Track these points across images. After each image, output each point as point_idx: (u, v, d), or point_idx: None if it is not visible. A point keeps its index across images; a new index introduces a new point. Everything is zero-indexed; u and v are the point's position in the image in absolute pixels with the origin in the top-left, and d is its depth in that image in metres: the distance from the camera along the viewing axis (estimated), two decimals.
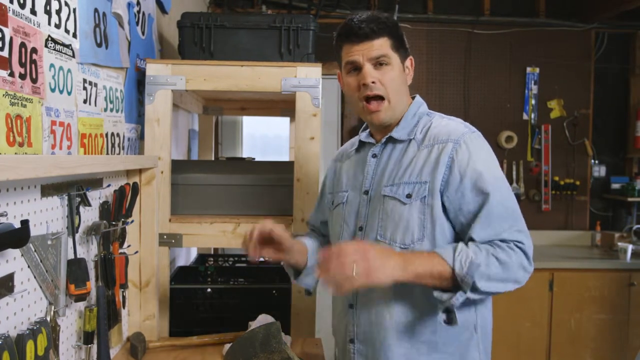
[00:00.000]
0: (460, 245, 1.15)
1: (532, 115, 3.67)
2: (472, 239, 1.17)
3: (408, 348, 1.23)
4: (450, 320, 1.17)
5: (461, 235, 1.22)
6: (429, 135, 1.27)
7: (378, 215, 1.27)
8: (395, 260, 1.12)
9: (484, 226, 1.16)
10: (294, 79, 1.76)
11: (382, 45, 1.24)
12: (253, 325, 1.62)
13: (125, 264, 1.60)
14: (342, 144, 3.62)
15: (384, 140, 1.33)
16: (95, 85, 1.49)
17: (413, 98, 1.37)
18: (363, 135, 1.39)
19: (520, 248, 1.16)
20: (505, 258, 1.14)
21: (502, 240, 1.16)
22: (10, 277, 1.03)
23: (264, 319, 1.66)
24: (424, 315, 1.23)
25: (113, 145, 1.64)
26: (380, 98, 1.26)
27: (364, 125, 1.44)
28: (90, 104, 1.46)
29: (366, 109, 1.28)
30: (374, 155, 1.34)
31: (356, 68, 1.26)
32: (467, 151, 1.20)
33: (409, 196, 1.22)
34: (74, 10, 1.34)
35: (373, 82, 1.23)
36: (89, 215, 1.40)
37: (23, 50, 1.09)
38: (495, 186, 1.18)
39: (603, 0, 3.47)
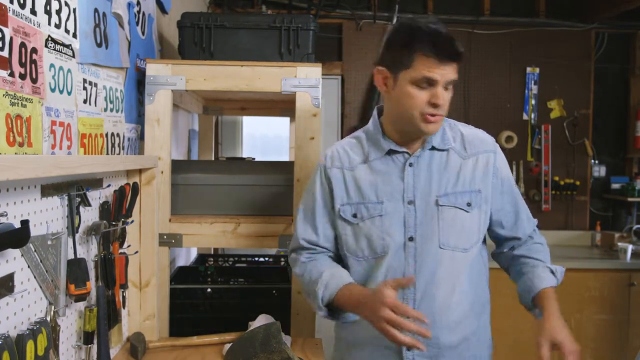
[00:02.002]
0: (545, 264, 1.38)
1: (532, 115, 3.67)
2: (516, 237, 1.42)
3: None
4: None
5: (493, 226, 1.42)
6: (467, 144, 1.38)
7: (437, 224, 1.32)
8: (562, 319, 1.27)
9: (524, 223, 1.42)
10: (294, 79, 1.76)
11: (456, 70, 1.26)
12: (253, 325, 1.62)
13: (125, 264, 1.60)
14: None
15: (423, 149, 1.35)
16: (95, 85, 1.49)
17: None
18: (392, 145, 1.35)
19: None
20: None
21: (534, 230, 1.46)
22: (10, 277, 1.03)
23: (264, 319, 1.66)
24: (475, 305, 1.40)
25: (113, 145, 1.64)
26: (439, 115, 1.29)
27: (368, 128, 1.42)
28: (90, 104, 1.46)
29: (425, 119, 1.27)
30: (411, 164, 1.34)
31: (429, 84, 1.24)
32: (502, 159, 1.41)
33: (469, 204, 1.34)
34: (74, 10, 1.34)
35: (442, 104, 1.26)
36: (89, 215, 1.40)
37: (23, 50, 1.09)
38: (517, 188, 1.44)
39: (603, 0, 3.47)
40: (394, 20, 3.48)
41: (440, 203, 1.32)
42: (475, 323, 1.38)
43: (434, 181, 1.33)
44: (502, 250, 1.47)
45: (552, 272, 1.36)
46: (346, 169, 1.40)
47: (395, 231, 1.32)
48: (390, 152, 1.36)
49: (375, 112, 1.43)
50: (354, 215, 1.37)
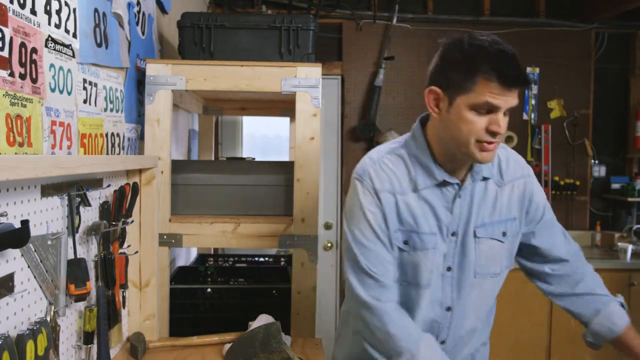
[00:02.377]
0: (615, 300, 1.38)
1: (532, 115, 3.67)
2: (560, 259, 1.40)
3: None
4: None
5: (523, 248, 1.40)
6: (504, 171, 1.32)
7: (474, 254, 1.29)
8: None
9: (565, 244, 1.42)
10: (294, 79, 1.76)
11: (518, 95, 1.16)
12: (253, 325, 1.62)
13: (125, 264, 1.60)
14: (342, 144, 3.66)
15: (474, 181, 1.28)
16: (95, 85, 1.49)
17: None
18: (445, 176, 1.25)
19: None
20: None
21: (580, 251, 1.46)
22: (10, 277, 1.03)
23: (264, 319, 1.66)
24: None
25: (113, 145, 1.64)
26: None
27: (411, 149, 1.30)
28: (90, 104, 1.46)
29: (480, 147, 1.16)
30: (459, 196, 1.27)
31: (489, 110, 1.14)
32: (536, 182, 1.37)
33: (504, 234, 1.31)
34: (74, 10, 1.34)
35: (500, 133, 1.17)
36: (89, 215, 1.40)
37: (23, 50, 1.09)
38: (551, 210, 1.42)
39: (603, 0, 3.47)
40: (394, 21, 3.49)
41: (477, 235, 1.29)
42: (487, 329, 1.46)
43: (473, 212, 1.28)
44: (546, 270, 1.43)
45: (622, 305, 1.38)
46: (397, 193, 1.27)
47: (440, 262, 1.29)
48: (442, 183, 1.26)
49: (418, 127, 1.31)
50: (405, 243, 1.27)
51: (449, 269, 1.30)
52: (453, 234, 1.28)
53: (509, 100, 1.13)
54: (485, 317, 1.41)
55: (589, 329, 1.38)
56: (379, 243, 1.26)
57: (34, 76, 1.14)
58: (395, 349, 1.21)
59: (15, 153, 1.06)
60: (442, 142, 1.24)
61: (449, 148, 1.23)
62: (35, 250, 1.11)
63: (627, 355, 1.33)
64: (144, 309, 1.72)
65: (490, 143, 1.15)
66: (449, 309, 1.31)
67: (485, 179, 1.29)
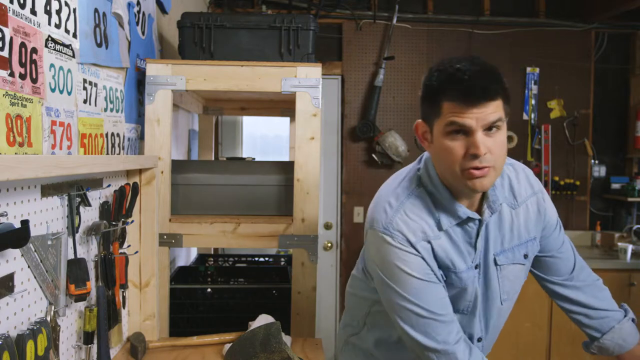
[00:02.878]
0: (628, 317, 1.37)
1: (532, 115, 3.67)
2: (573, 285, 1.36)
3: None
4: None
5: (541, 264, 1.37)
6: (516, 193, 1.26)
7: (497, 282, 1.26)
8: None
9: (582, 269, 1.38)
10: (294, 79, 1.76)
11: (497, 108, 1.06)
12: (253, 325, 1.62)
13: (125, 264, 1.60)
14: (342, 144, 3.66)
15: (493, 212, 1.20)
16: (95, 85, 1.49)
17: None
18: (468, 212, 1.18)
19: None
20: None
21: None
22: (10, 277, 1.03)
23: (264, 319, 1.66)
24: None
25: (113, 145, 1.64)
26: (486, 167, 1.09)
27: (427, 186, 1.21)
28: (90, 104, 1.46)
29: (467, 175, 1.08)
30: (481, 231, 1.21)
31: (463, 132, 1.07)
32: (547, 197, 1.33)
33: (526, 257, 1.28)
34: (74, 10, 1.34)
35: (484, 154, 1.06)
36: (89, 215, 1.40)
37: (23, 50, 1.09)
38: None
39: (603, 0, 3.47)
40: (394, 21, 3.49)
41: (498, 262, 1.24)
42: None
43: (491, 240, 1.23)
44: (555, 280, 1.39)
45: (633, 321, 1.38)
46: (432, 238, 1.18)
47: (478, 296, 1.25)
48: (466, 221, 1.20)
49: (432, 170, 1.21)
50: (445, 280, 1.21)
51: (475, 298, 1.26)
52: (476, 267, 1.23)
53: (480, 116, 1.05)
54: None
55: (598, 342, 1.36)
56: (430, 283, 1.17)
57: (34, 76, 1.14)
58: None
59: (15, 153, 1.06)
60: (442, 177, 1.18)
61: (448, 182, 1.17)
62: (35, 250, 1.11)
63: None
64: (144, 309, 1.72)
65: (476, 169, 1.07)
66: (480, 339, 1.31)
67: (501, 206, 1.23)
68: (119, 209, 1.51)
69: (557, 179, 3.67)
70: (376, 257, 1.22)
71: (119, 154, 1.69)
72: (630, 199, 3.57)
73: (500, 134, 1.08)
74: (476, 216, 1.19)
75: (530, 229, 1.27)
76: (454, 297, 1.22)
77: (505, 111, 1.09)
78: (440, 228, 1.18)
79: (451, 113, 1.06)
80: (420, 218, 1.18)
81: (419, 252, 1.16)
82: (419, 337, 1.17)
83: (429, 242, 1.17)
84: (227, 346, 1.61)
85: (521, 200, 1.26)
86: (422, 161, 1.25)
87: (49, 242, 1.16)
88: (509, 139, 3.60)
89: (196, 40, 1.89)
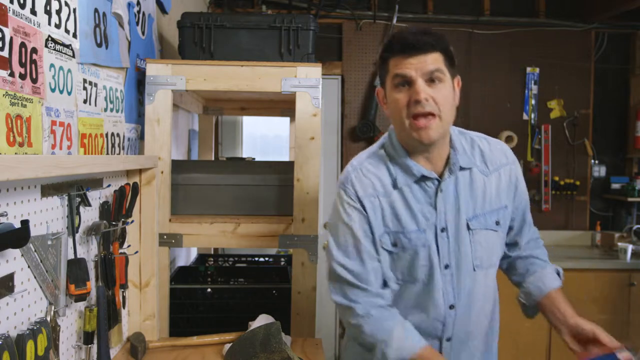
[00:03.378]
0: (552, 266, 1.40)
1: (532, 115, 3.67)
2: (517, 243, 1.41)
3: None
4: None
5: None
6: (488, 160, 1.33)
7: (470, 248, 1.29)
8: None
9: (529, 229, 1.42)
10: (294, 79, 1.76)
11: (436, 60, 1.17)
12: (253, 325, 1.62)
13: (125, 264, 1.60)
14: (342, 144, 3.66)
15: (451, 173, 1.27)
16: (95, 85, 1.49)
17: None
18: (423, 170, 1.25)
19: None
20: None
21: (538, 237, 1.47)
22: (10, 277, 1.03)
23: (264, 319, 1.66)
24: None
25: (113, 145, 1.64)
26: (430, 115, 1.17)
27: (388, 149, 1.31)
28: (90, 104, 1.46)
29: (413, 126, 1.18)
30: (441, 191, 1.27)
31: (406, 83, 1.18)
32: (519, 168, 1.38)
33: (497, 223, 1.32)
34: (74, 10, 1.34)
35: (426, 100, 1.15)
36: (89, 215, 1.40)
37: (23, 50, 1.09)
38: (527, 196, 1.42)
39: (603, 0, 3.47)
40: (394, 21, 3.49)
41: (471, 227, 1.28)
42: (493, 334, 1.44)
43: (462, 204, 1.28)
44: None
45: (557, 273, 1.39)
46: (380, 195, 1.28)
47: (433, 260, 1.27)
48: (421, 179, 1.27)
49: (392, 127, 1.32)
50: (394, 245, 1.28)
51: (446, 266, 1.28)
52: (442, 230, 1.27)
53: (419, 66, 1.16)
54: (490, 312, 1.39)
55: (522, 288, 1.40)
56: (364, 244, 1.27)
57: (34, 76, 1.14)
58: (372, 342, 1.25)
59: (15, 153, 1.06)
60: (399, 137, 1.28)
61: (404, 140, 1.26)
62: (35, 250, 1.11)
63: (552, 320, 1.32)
64: (144, 309, 1.72)
65: (419, 116, 1.16)
66: (452, 306, 1.30)
67: (463, 168, 1.28)
68: (119, 209, 1.51)
69: (557, 179, 3.67)
70: (331, 213, 1.36)
71: (119, 154, 1.69)
72: (630, 199, 3.57)
73: (443, 87, 1.18)
74: (432, 175, 1.26)
75: (501, 197, 1.32)
76: (408, 266, 1.28)
77: (449, 69, 1.20)
78: (395, 186, 1.27)
79: (395, 67, 1.19)
80: (375, 176, 1.29)
81: (364, 207, 1.26)
82: (334, 292, 1.30)
83: (377, 198, 1.27)
84: (227, 346, 1.61)
85: (493, 168, 1.32)
86: (388, 130, 1.35)
87: (49, 242, 1.16)
88: (509, 139, 3.61)
89: (196, 40, 1.89)
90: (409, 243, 1.26)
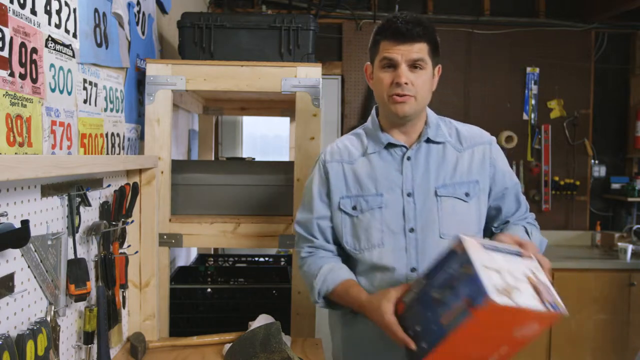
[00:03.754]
0: (525, 228, 1.40)
1: (532, 115, 3.67)
2: (507, 220, 1.45)
3: None
4: None
5: (489, 215, 1.44)
6: (463, 138, 1.41)
7: (436, 214, 1.35)
8: None
9: (518, 207, 1.45)
10: (294, 79, 1.76)
11: (421, 50, 1.30)
12: (253, 325, 1.62)
13: (125, 264, 1.60)
14: None
15: (419, 142, 1.38)
16: (96, 85, 1.49)
17: None
18: (391, 139, 1.38)
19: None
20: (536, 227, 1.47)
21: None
22: (10, 277, 1.03)
23: (264, 319, 1.66)
24: None
25: (113, 145, 1.64)
26: (407, 96, 1.31)
27: (367, 125, 1.45)
28: (90, 104, 1.46)
29: (391, 100, 1.32)
30: (409, 158, 1.37)
31: (392, 65, 1.31)
32: (498, 150, 1.44)
33: (467, 195, 1.37)
34: (74, 10, 1.34)
35: (406, 83, 1.29)
36: (89, 215, 1.40)
37: (23, 50, 1.09)
38: (515, 178, 1.47)
39: (603, 0, 3.47)
40: None
41: (439, 194, 1.35)
42: None
43: (432, 173, 1.37)
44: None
45: (527, 233, 1.40)
46: (345, 162, 1.42)
47: (395, 223, 1.35)
48: (389, 146, 1.39)
49: (373, 111, 1.47)
50: (354, 208, 1.39)
51: (411, 230, 1.34)
52: (409, 195, 1.35)
53: (405, 52, 1.29)
54: None
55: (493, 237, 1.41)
56: (313, 207, 1.43)
57: (34, 76, 1.14)
58: (308, 281, 1.43)
59: (16, 153, 1.06)
60: (380, 109, 1.42)
61: (383, 112, 1.40)
62: (35, 250, 1.11)
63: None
64: (144, 309, 1.72)
65: (399, 95, 1.30)
66: (413, 269, 1.33)
67: (430, 140, 1.38)
68: (119, 209, 1.51)
69: (557, 179, 3.67)
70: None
71: (119, 154, 1.69)
72: (630, 199, 3.57)
73: (423, 74, 1.31)
74: (399, 143, 1.38)
75: (473, 172, 1.39)
76: (366, 228, 1.36)
77: (432, 58, 1.32)
78: (364, 154, 1.41)
79: (384, 50, 1.32)
80: (345, 147, 1.45)
81: (327, 172, 1.42)
82: (296, 248, 1.50)
83: (341, 164, 1.42)
84: (227, 346, 1.61)
85: (467, 145, 1.41)
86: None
87: (49, 242, 1.16)
88: (509, 139, 3.61)
89: (196, 40, 1.89)
90: (366, 204, 1.37)
